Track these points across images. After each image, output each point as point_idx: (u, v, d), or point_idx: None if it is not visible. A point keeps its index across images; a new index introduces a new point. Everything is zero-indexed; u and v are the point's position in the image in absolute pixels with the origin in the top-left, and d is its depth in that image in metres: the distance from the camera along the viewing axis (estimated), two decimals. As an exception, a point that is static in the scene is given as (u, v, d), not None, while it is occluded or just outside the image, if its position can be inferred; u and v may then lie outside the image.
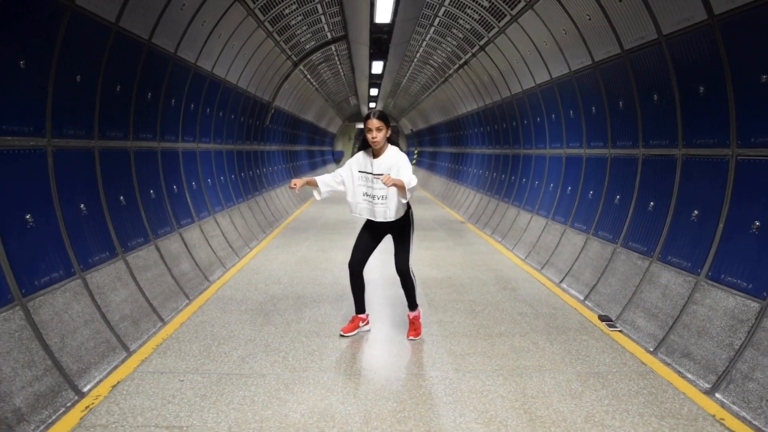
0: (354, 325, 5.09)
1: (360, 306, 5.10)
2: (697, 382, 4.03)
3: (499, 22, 8.72)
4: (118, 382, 4.06)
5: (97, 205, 5.18)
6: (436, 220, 12.85)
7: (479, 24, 9.45)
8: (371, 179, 4.66)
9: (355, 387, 3.98)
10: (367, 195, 4.71)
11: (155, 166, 6.67)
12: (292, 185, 4.53)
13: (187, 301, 6.07)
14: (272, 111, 12.97)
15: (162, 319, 5.39)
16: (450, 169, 18.45)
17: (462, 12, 9.54)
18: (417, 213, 13.71)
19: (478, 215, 12.27)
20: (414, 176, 4.45)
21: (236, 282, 6.95)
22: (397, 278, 4.91)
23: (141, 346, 4.77)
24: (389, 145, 4.76)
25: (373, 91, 19.24)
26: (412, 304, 5.03)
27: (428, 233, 10.83)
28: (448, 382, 4.06)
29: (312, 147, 23.85)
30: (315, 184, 4.78)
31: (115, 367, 4.32)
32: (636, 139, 5.93)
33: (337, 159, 35.02)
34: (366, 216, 4.79)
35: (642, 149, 5.82)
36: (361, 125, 36.46)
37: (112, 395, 3.85)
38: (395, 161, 4.60)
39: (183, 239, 6.92)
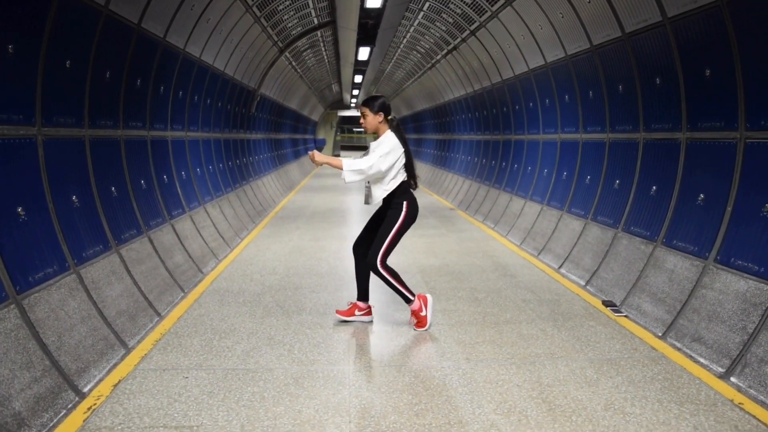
0: (350, 311, 5.00)
1: (360, 293, 4.99)
2: (711, 366, 4.00)
3: (492, 6, 8.60)
4: (120, 381, 3.91)
5: (89, 196, 5.00)
6: (426, 207, 12.76)
7: (471, 8, 9.32)
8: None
9: (367, 380, 3.88)
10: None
11: (145, 155, 6.48)
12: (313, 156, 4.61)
13: (183, 294, 5.91)
14: (258, 98, 12.75)
15: (158, 314, 5.24)
16: (436, 156, 18.36)
17: (453, -5, 9.42)
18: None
19: (468, 202, 12.21)
20: (372, 161, 4.51)
21: (231, 273, 6.80)
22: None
23: (139, 342, 4.63)
24: (388, 130, 4.75)
25: (357, 78, 19.07)
26: (405, 299, 4.79)
27: (420, 220, 10.60)
28: (462, 372, 3.98)
29: (295, 135, 23.59)
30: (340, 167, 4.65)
31: (115, 365, 4.17)
32: (636, 123, 5.87)
33: (319, 147, 34.71)
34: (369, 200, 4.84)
35: (643, 133, 5.77)
36: (344, 113, 36.26)
37: (115, 395, 3.71)
38: (377, 143, 4.70)
39: (175, 230, 6.75)
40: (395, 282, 4.71)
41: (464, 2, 9.28)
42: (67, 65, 4.59)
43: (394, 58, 16.67)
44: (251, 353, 4.36)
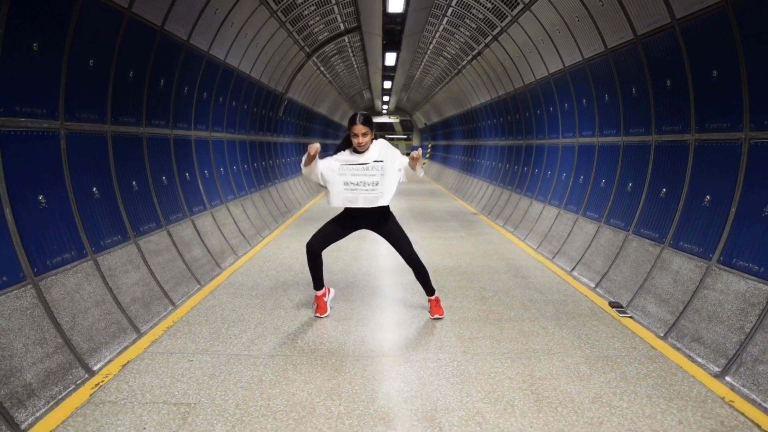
0: (322, 304, 5.18)
1: (319, 283, 5.15)
2: (707, 365, 3.99)
3: (512, 10, 8.67)
4: (128, 362, 4.10)
5: (109, 189, 5.23)
6: (449, 212, 12.82)
7: (492, 13, 9.40)
8: (362, 167, 4.70)
9: (363, 368, 3.99)
10: (349, 184, 4.72)
11: (168, 153, 6.71)
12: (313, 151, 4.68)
13: (199, 286, 6.11)
14: (285, 102, 13.01)
15: (173, 303, 5.44)
16: (463, 162, 18.40)
17: (475, 1, 9.50)
18: (431, 205, 13.68)
19: (490, 207, 12.23)
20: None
21: (247, 269, 6.99)
22: (406, 265, 4.97)
23: (152, 328, 4.82)
24: (376, 140, 4.89)
25: (387, 84, 19.25)
26: (430, 290, 5.13)
27: (441, 224, 10.83)
28: (456, 363, 4.06)
29: (325, 140, 23.87)
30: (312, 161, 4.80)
31: (126, 348, 4.36)
32: (648, 126, 5.88)
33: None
34: (346, 204, 4.80)
35: (654, 136, 5.77)
36: (376, 119, 36.49)
37: (122, 374, 3.90)
38: (382, 147, 4.78)
39: (195, 226, 6.97)
40: (427, 271, 5.08)
41: (485, 7, 9.36)
42: (91, 64, 4.83)
43: (423, 64, 16.80)
44: (256, 341, 4.51)
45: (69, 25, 4.43)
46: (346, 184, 4.72)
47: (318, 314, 5.13)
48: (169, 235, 6.20)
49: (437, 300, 5.17)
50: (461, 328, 4.84)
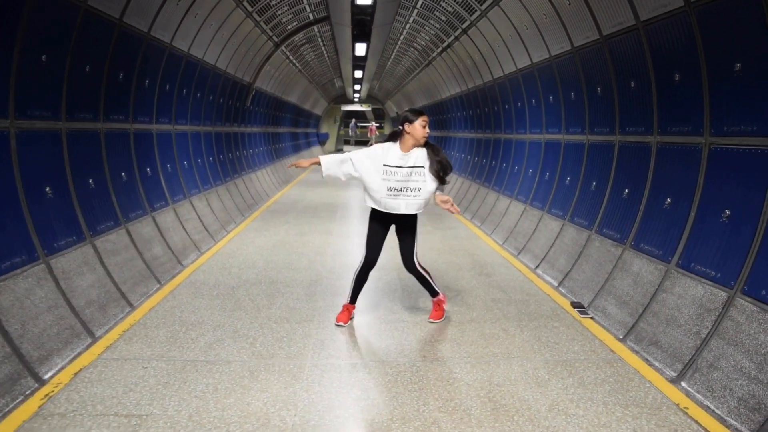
0: (350, 314, 5.01)
1: (356, 297, 5.01)
2: (664, 370, 4.03)
3: (481, 5, 8.61)
4: (81, 369, 3.99)
5: (63, 188, 5.07)
6: (418, 205, 12.78)
7: (461, 7, 9.34)
8: (406, 172, 4.56)
9: (321, 374, 3.94)
10: (392, 189, 4.58)
11: (127, 148, 6.54)
12: (297, 165, 4.67)
13: (158, 285, 5.99)
14: (253, 92, 12.81)
15: (131, 304, 5.31)
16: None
17: (444, -6, 9.44)
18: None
19: (459, 199, 12.24)
20: None
21: (210, 266, 6.87)
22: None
23: (107, 332, 4.70)
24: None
25: (358, 74, 19.08)
26: (433, 292, 5.05)
27: (408, 217, 10.78)
28: (415, 369, 4.03)
29: (296, 129, 23.67)
30: (318, 163, 4.78)
31: (79, 354, 4.24)
32: (613, 126, 5.90)
33: (322, 141, 34.75)
34: (389, 211, 4.64)
35: (618, 136, 5.79)
36: (347, 107, 36.23)
37: (74, 383, 3.78)
38: (423, 152, 4.62)
39: (156, 223, 6.82)
40: (428, 275, 4.99)
41: (455, 1, 9.29)
42: (43, 59, 4.65)
43: (394, 54, 16.69)
44: (213, 345, 4.42)
45: (20, 21, 4.25)
46: (389, 190, 4.58)
47: (342, 323, 4.91)
48: (128, 233, 6.05)
49: (438, 302, 5.08)
50: (422, 330, 4.82)
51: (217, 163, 10.51)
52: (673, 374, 3.94)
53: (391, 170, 4.57)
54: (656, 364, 4.14)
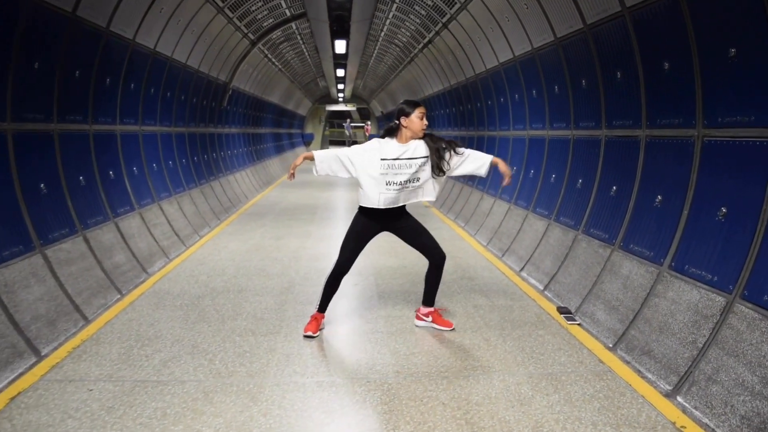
0: (318, 323, 4.64)
1: (326, 305, 4.68)
2: (658, 383, 3.70)
3: (460, -4, 8.29)
4: (19, 393, 3.60)
5: (9, 194, 4.68)
6: (401, 205, 12.42)
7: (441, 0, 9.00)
8: (405, 164, 4.24)
9: (282, 395, 3.57)
10: (392, 183, 4.25)
11: (86, 150, 6.15)
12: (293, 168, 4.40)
13: (119, 296, 5.60)
14: (230, 92, 12.40)
15: (85, 318, 4.92)
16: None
17: (423, -14, 9.09)
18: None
19: (443, 199, 11.90)
20: None
21: (177, 274, 6.48)
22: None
23: (55, 349, 4.31)
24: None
25: (340, 72, 18.68)
26: (433, 301, 4.80)
27: (391, 219, 10.40)
28: (387, 387, 3.67)
29: (279, 129, 23.24)
30: (311, 158, 4.43)
31: (21, 375, 3.86)
32: (599, 120, 5.58)
33: (307, 141, 34.30)
34: (388, 206, 4.31)
35: (605, 130, 5.47)
36: (332, 107, 35.82)
37: (8, 409, 3.40)
38: (423, 143, 4.33)
39: (119, 229, 6.42)
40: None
41: (433, -7, 8.96)
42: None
43: (375, 51, 16.33)
44: (168, 363, 4.05)
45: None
46: (388, 184, 4.25)
47: (311, 333, 4.54)
48: (86, 240, 5.65)
49: (437, 311, 4.81)
50: (397, 341, 4.46)
51: (191, 165, 10.10)
52: (668, 388, 3.61)
53: (390, 163, 4.25)
54: (649, 376, 3.81)
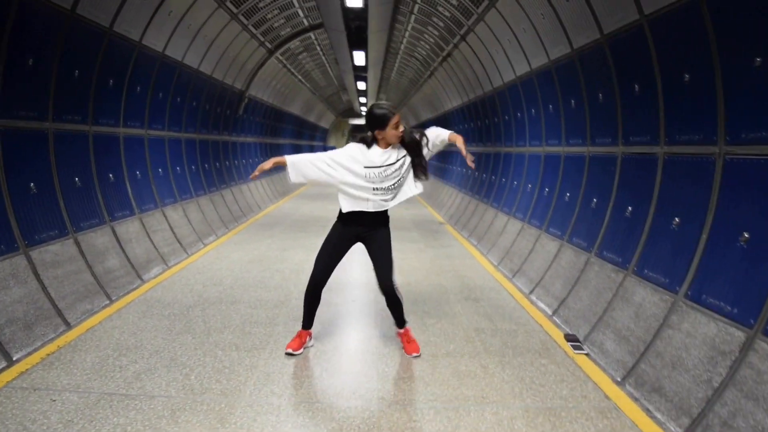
0: (302, 341, 4.37)
1: (311, 321, 4.41)
2: (667, 424, 3.35)
3: (477, 7, 8.03)
4: (-23, 401, 3.39)
5: (-6, 193, 4.52)
6: (414, 221, 12.14)
7: (458, 10, 8.76)
8: (392, 168, 4.03)
9: (253, 418, 3.30)
10: (379, 190, 4.02)
11: (85, 151, 5.99)
12: (260, 169, 4.04)
13: (108, 302, 5.39)
14: (246, 100, 12.28)
15: (67, 323, 4.72)
16: (437, 168, 17.75)
17: (439, -4, 8.88)
18: (396, 211, 12.78)
19: (458, 216, 11.60)
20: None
21: (172, 282, 6.27)
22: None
23: (28, 355, 4.10)
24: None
25: (361, 85, 18.55)
26: (401, 321, 4.43)
27: (401, 234, 10.06)
28: (367, 415, 3.38)
29: (299, 141, 23.13)
30: (284, 163, 4.11)
31: (-15, 381, 3.65)
32: (615, 136, 5.26)
33: (330, 155, 34.15)
34: (377, 209, 4.08)
35: (622, 147, 5.15)
36: (355, 121, 35.77)
37: (-38, 418, 3.19)
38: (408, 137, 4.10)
39: (114, 233, 6.23)
40: (402, 301, 4.42)
41: (451, 4, 8.71)
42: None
43: (396, 65, 16.15)
44: (142, 376, 3.81)
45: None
46: (376, 190, 4.01)
47: (291, 350, 4.27)
48: (77, 243, 5.46)
49: (408, 333, 4.47)
50: (386, 364, 4.16)
51: (201, 172, 9.95)
52: (679, 431, 3.26)
53: (376, 171, 4.00)
54: (658, 416, 3.46)
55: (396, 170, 4.03)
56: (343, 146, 4.28)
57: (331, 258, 4.21)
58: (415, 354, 4.32)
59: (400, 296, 4.32)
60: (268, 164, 4.03)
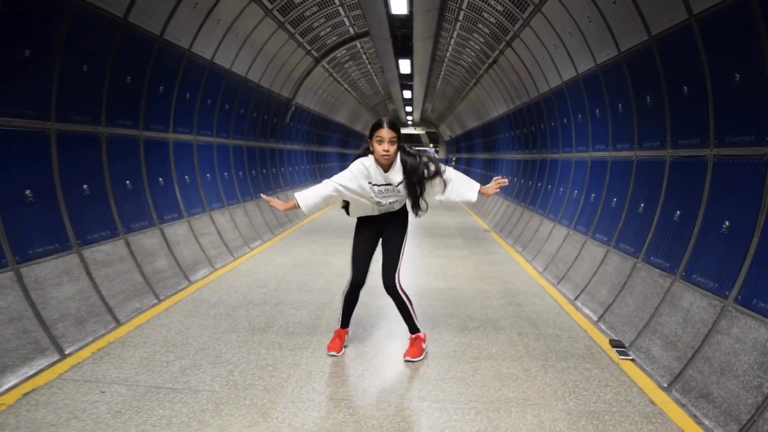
0: (342, 340, 4.41)
1: (348, 321, 4.46)
2: (715, 431, 3.25)
3: (522, 13, 8.00)
4: (33, 390, 3.54)
5: (49, 191, 4.72)
6: (459, 228, 12.09)
7: (504, 16, 8.74)
8: (393, 189, 4.01)
9: (295, 413, 3.34)
10: (382, 203, 4.07)
11: (136, 155, 6.20)
12: (271, 203, 4.01)
13: (156, 301, 5.55)
14: (293, 108, 12.49)
15: (117, 320, 4.88)
16: (482, 176, 17.67)
17: (485, 4, 8.85)
18: (442, 220, 12.62)
19: (503, 224, 11.50)
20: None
21: (218, 284, 6.41)
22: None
23: (80, 349, 4.26)
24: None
25: (407, 94, 18.64)
26: (413, 327, 4.36)
27: (445, 241, 10.07)
28: (408, 413, 3.38)
29: (345, 150, 23.35)
30: (296, 207, 3.97)
31: (39, 372, 3.81)
32: (664, 139, 5.14)
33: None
34: (383, 212, 4.16)
35: (670, 150, 5.04)
36: (401, 130, 35.87)
37: (18, 405, 3.34)
38: (400, 168, 3.99)
39: (164, 234, 6.42)
40: (411, 305, 4.33)
41: (497, 10, 8.70)
42: (27, 54, 4.33)
43: (442, 73, 16.17)
44: (187, 371, 3.91)
45: None
46: (380, 203, 4.05)
47: (334, 353, 4.30)
48: (127, 244, 5.65)
49: (419, 338, 4.36)
50: (428, 365, 4.16)
51: (248, 178, 10.15)
52: (727, 437, 3.16)
53: (379, 189, 3.99)
54: (706, 422, 3.35)
55: (396, 191, 4.03)
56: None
57: (364, 258, 4.25)
58: (409, 358, 4.23)
59: (405, 298, 4.26)
60: (280, 208, 3.98)
